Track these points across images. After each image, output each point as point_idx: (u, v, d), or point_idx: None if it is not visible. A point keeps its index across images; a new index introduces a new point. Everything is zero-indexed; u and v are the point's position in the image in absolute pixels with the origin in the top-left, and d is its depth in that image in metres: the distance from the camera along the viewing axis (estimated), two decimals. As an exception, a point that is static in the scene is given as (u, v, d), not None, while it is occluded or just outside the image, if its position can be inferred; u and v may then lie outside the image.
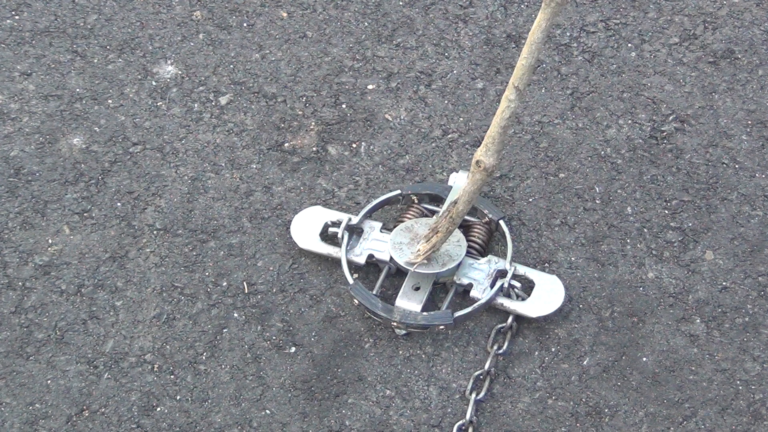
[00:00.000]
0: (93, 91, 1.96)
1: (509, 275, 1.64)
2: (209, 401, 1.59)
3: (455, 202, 1.53)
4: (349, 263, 1.68)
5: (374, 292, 1.65)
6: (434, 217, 1.69)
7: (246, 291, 1.70)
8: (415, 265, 1.62)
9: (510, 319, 1.62)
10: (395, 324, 1.61)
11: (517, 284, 1.64)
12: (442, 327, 1.62)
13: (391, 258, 1.64)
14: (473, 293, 1.64)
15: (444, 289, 1.68)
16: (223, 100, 1.95)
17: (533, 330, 1.65)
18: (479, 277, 1.65)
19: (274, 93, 1.96)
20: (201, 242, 1.76)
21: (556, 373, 1.61)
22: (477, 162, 1.32)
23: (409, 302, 1.63)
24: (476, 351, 1.63)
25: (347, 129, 1.91)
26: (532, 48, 1.13)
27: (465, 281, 1.65)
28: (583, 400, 1.58)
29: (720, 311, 1.67)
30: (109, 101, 1.95)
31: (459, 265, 1.64)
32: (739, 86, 1.95)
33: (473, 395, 1.57)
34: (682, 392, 1.59)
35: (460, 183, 1.75)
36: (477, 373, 1.59)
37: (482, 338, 1.64)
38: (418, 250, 1.61)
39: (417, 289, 1.65)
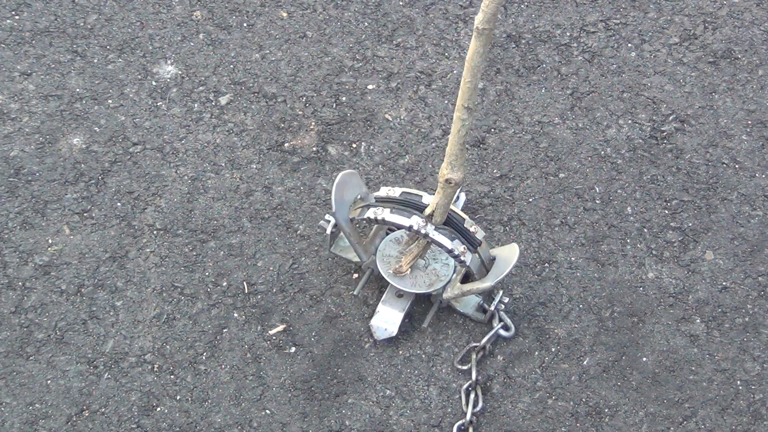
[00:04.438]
0: (93, 91, 1.96)
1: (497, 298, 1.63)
2: (209, 401, 1.59)
3: (431, 215, 1.50)
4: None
5: (355, 293, 1.66)
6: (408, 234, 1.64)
7: (246, 291, 1.70)
8: (404, 272, 1.61)
9: (485, 339, 1.60)
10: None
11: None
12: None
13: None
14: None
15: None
16: (223, 100, 1.95)
17: (533, 330, 1.65)
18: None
19: (274, 93, 1.96)
20: (201, 242, 1.76)
21: (556, 373, 1.61)
22: (447, 180, 1.38)
23: (391, 309, 1.63)
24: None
25: (347, 129, 1.91)
26: (474, 72, 1.22)
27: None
28: (583, 400, 1.58)
29: (720, 311, 1.66)
30: (109, 101, 1.95)
31: (448, 283, 1.62)
32: (739, 86, 1.95)
33: (473, 395, 1.57)
34: (682, 392, 1.59)
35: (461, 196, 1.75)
36: (467, 385, 1.58)
37: (482, 338, 1.64)
38: (400, 265, 1.61)
39: (400, 296, 1.65)
